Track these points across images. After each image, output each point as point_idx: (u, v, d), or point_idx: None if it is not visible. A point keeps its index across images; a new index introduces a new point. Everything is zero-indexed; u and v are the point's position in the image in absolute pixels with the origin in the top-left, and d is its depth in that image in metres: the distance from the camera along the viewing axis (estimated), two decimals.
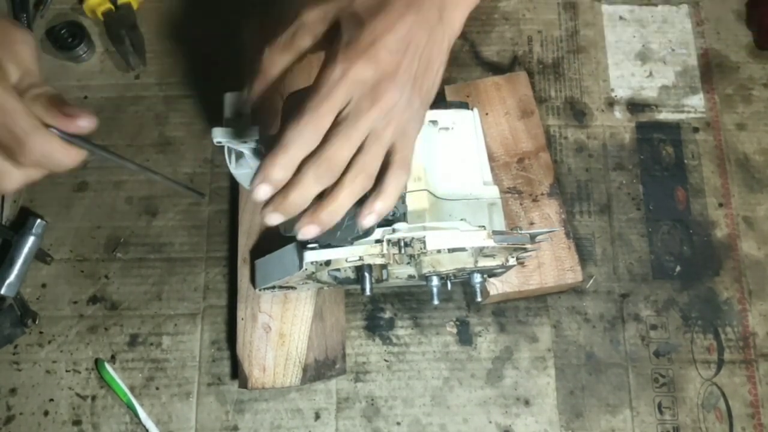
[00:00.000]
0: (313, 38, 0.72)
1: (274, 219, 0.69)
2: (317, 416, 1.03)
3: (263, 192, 0.66)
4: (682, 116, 1.19)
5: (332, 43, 0.67)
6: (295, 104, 0.73)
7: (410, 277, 0.91)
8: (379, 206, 0.70)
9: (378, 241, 0.81)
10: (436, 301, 0.86)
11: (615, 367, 1.06)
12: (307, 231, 0.70)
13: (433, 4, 0.70)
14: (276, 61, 0.73)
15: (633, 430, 1.03)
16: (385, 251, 0.81)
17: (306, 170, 0.65)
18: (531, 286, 1.01)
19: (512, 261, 0.86)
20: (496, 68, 1.21)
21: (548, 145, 1.11)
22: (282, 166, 0.65)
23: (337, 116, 0.66)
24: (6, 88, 0.57)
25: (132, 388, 1.03)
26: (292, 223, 0.73)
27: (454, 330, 1.07)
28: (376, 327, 1.07)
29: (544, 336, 1.07)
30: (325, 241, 0.81)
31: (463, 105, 0.99)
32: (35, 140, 0.58)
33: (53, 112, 0.60)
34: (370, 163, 0.68)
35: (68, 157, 0.61)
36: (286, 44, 0.72)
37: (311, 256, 0.82)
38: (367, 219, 0.71)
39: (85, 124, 0.61)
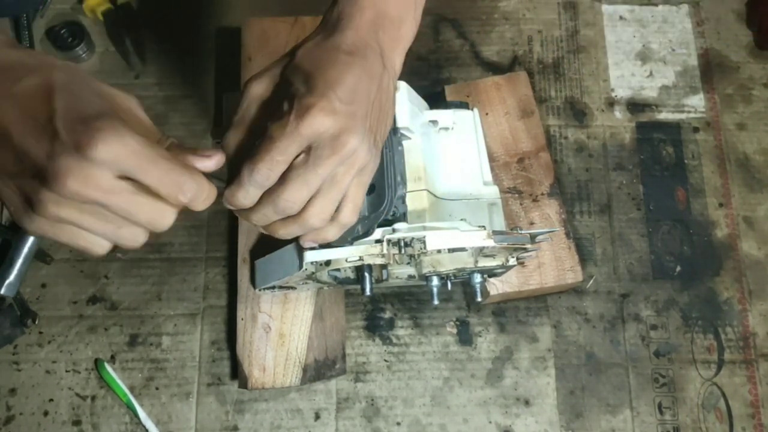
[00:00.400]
0: (259, 107, 0.72)
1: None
2: (317, 416, 1.02)
3: (229, 206, 0.70)
4: (682, 116, 1.19)
5: (284, 95, 0.68)
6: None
7: (410, 277, 0.90)
8: (320, 240, 0.76)
9: (378, 241, 0.81)
10: (436, 301, 0.86)
11: (615, 367, 1.06)
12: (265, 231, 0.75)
13: (374, 52, 0.71)
14: (232, 142, 0.73)
15: (633, 430, 1.03)
16: (385, 251, 0.81)
17: (266, 203, 0.68)
18: (531, 286, 1.01)
19: (512, 261, 0.86)
20: (496, 68, 1.21)
21: (548, 145, 1.11)
22: (242, 198, 0.68)
23: (298, 159, 0.67)
24: (153, 146, 0.59)
25: (132, 388, 1.03)
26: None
27: (454, 330, 1.07)
28: (376, 327, 1.07)
29: (544, 336, 1.07)
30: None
31: (463, 105, 0.99)
32: (191, 182, 0.60)
33: (190, 156, 0.64)
34: (327, 207, 0.70)
35: (213, 191, 0.64)
36: (239, 123, 0.73)
37: (311, 256, 0.82)
38: (306, 244, 0.77)
39: (219, 158, 0.65)
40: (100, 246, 0.62)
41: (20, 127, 0.56)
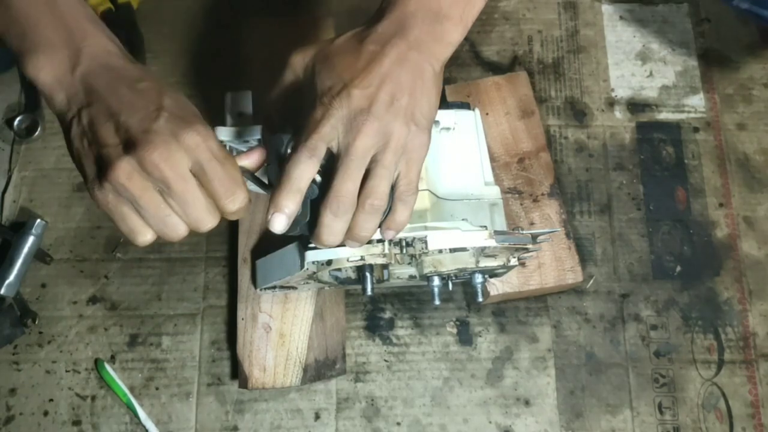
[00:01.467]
0: (296, 78, 0.79)
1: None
2: (317, 416, 1.02)
3: (279, 221, 0.72)
4: (683, 116, 1.19)
5: (310, 86, 0.75)
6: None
7: (411, 277, 0.90)
8: (393, 226, 0.76)
9: (379, 241, 0.81)
10: (437, 302, 0.86)
11: (615, 367, 1.06)
12: (350, 245, 0.78)
13: (403, 40, 0.73)
14: (273, 101, 0.83)
15: (633, 430, 1.03)
16: (386, 251, 0.81)
17: (323, 211, 0.71)
18: (531, 286, 1.01)
19: (514, 261, 0.86)
20: (496, 68, 1.21)
21: (548, 145, 1.11)
22: (287, 194, 0.71)
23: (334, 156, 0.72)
24: (228, 154, 0.71)
25: (132, 389, 1.03)
26: (294, 223, 0.73)
27: (454, 330, 1.07)
28: (376, 327, 1.07)
29: (544, 336, 1.07)
30: None
31: (465, 105, 0.99)
32: (243, 195, 0.71)
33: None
34: (378, 184, 0.72)
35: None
36: (279, 89, 0.81)
37: (312, 255, 0.82)
38: (386, 234, 0.77)
39: (260, 155, 0.77)
40: (143, 234, 0.70)
41: (131, 108, 0.68)
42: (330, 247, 0.76)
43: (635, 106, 1.19)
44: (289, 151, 0.75)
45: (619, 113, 1.18)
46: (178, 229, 0.69)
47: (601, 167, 1.15)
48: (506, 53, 1.22)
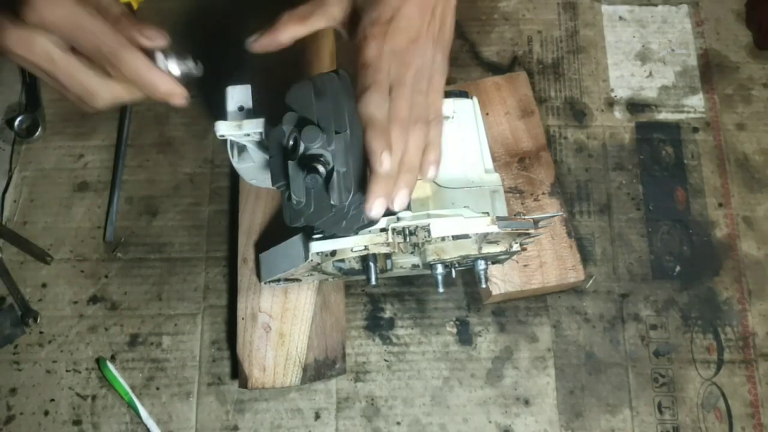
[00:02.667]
0: (327, 21, 0.80)
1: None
2: (317, 416, 1.02)
3: (387, 161, 0.72)
4: (682, 116, 1.19)
5: (356, 24, 0.77)
6: (300, 94, 0.79)
7: (414, 266, 0.91)
8: (433, 156, 0.80)
9: (383, 230, 0.81)
10: (441, 289, 0.86)
11: (615, 367, 1.06)
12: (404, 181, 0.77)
13: None
14: (288, 30, 0.81)
15: (633, 430, 1.03)
16: (389, 240, 0.81)
17: (395, 135, 0.73)
18: (533, 285, 1.01)
19: (516, 247, 0.87)
20: (496, 68, 1.21)
21: (548, 145, 1.11)
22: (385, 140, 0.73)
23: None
24: (90, 11, 0.65)
25: (132, 388, 1.02)
26: (298, 214, 0.73)
27: (454, 330, 1.07)
28: (376, 327, 1.06)
29: (544, 336, 1.06)
30: (331, 231, 0.81)
31: (463, 94, 0.99)
32: (123, 56, 0.66)
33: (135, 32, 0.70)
34: (420, 104, 0.76)
35: (162, 82, 0.70)
36: (303, 17, 0.81)
37: (317, 246, 0.82)
38: (431, 171, 0.80)
39: (160, 41, 0.72)
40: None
41: None
42: (388, 191, 0.75)
43: (635, 106, 1.19)
44: (291, 143, 0.74)
45: (618, 113, 1.19)
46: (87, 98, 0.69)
47: (600, 167, 1.15)
48: (506, 53, 1.22)
